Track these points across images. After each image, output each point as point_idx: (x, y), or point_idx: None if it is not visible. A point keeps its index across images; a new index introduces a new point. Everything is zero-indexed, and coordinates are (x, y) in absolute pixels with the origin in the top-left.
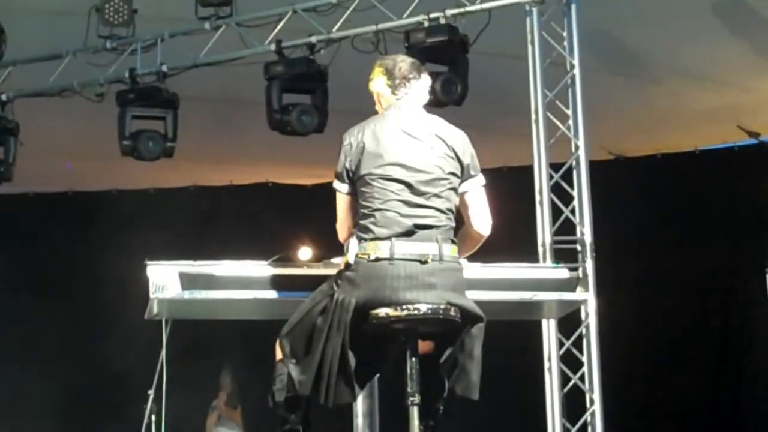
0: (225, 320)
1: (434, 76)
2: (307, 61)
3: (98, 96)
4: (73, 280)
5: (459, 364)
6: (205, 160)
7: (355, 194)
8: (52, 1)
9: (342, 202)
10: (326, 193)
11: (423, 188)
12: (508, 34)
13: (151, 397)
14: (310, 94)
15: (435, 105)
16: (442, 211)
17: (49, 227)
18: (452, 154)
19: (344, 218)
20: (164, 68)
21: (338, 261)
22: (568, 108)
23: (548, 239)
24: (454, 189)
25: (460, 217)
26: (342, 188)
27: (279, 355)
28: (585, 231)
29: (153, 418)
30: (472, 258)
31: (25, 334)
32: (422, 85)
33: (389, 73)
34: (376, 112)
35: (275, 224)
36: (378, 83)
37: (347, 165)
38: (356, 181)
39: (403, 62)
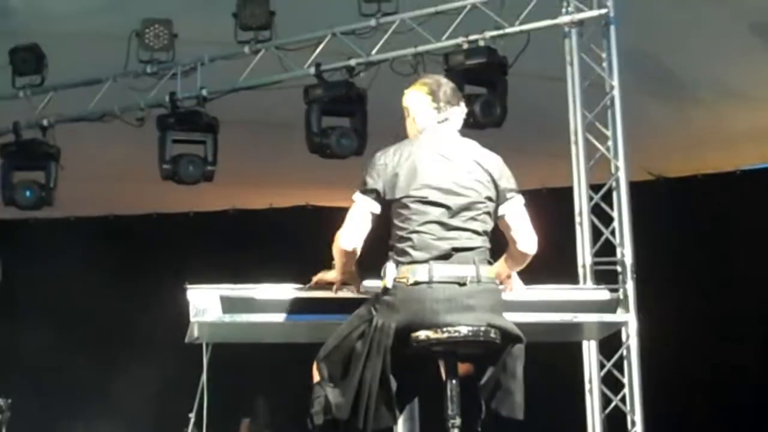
0: (263, 343)
1: (473, 98)
2: (346, 84)
3: (139, 120)
4: (113, 304)
5: (502, 386)
6: (244, 184)
7: (385, 217)
8: (93, 26)
9: (357, 214)
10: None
11: (460, 211)
12: (547, 55)
13: (192, 421)
14: (350, 117)
15: (474, 127)
16: (478, 234)
17: (90, 251)
18: (488, 178)
19: (352, 227)
20: (204, 92)
21: (373, 284)
22: (607, 129)
23: (588, 260)
24: (490, 213)
25: (505, 238)
26: (362, 202)
27: (316, 377)
28: (625, 252)
29: None
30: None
31: (66, 360)
32: (461, 112)
33: (433, 94)
34: (406, 133)
35: (314, 247)
36: (418, 101)
37: (379, 186)
38: (391, 202)
39: (447, 86)
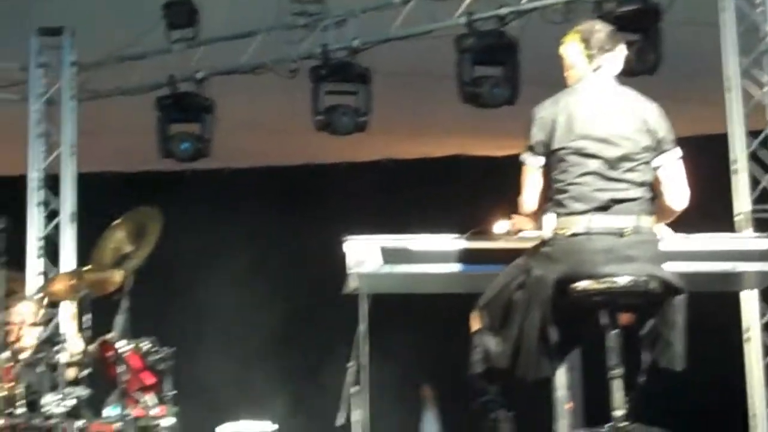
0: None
1: (627, 45)
2: (497, 33)
3: (291, 72)
4: (268, 256)
5: (662, 337)
6: (397, 134)
7: (545, 168)
8: None
9: (529, 174)
10: (519, 164)
11: (618, 162)
12: (701, 0)
13: (351, 370)
14: (501, 66)
15: (628, 74)
16: (637, 184)
17: (245, 202)
18: (646, 128)
19: (530, 191)
20: (356, 43)
21: (532, 234)
22: (763, 75)
23: (747, 208)
24: (648, 163)
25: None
26: (531, 161)
27: (475, 327)
28: None
29: (353, 390)
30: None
31: (222, 313)
32: (618, 57)
33: (586, 42)
34: (566, 83)
35: (468, 197)
36: (572, 51)
37: (540, 139)
38: (549, 155)
39: (601, 32)
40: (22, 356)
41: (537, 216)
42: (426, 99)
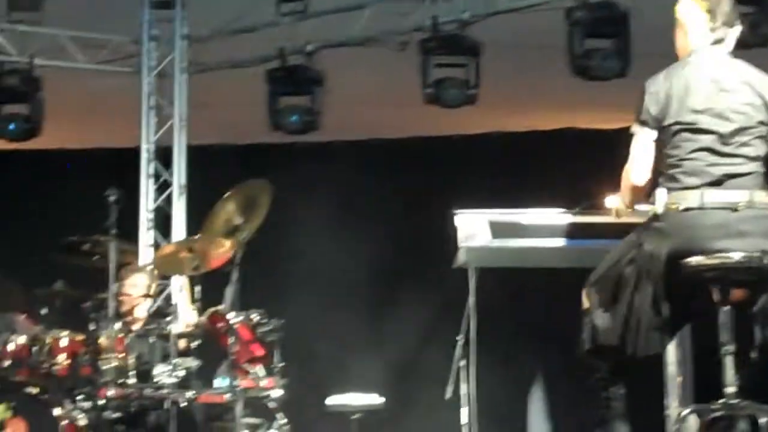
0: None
1: (741, 17)
2: (609, 5)
3: (401, 45)
4: (376, 229)
5: None
6: (506, 107)
7: (657, 142)
8: None
9: (641, 147)
10: (630, 137)
11: (732, 137)
12: None
13: (459, 344)
14: (612, 39)
15: (741, 47)
16: (751, 159)
17: (353, 175)
18: (761, 102)
19: (638, 164)
20: (466, 16)
21: (645, 209)
22: None
23: None
24: (763, 137)
25: None
26: (642, 134)
27: (586, 304)
28: None
29: (462, 364)
30: None
31: (330, 286)
32: (735, 33)
33: (711, 13)
34: (677, 56)
35: (578, 170)
36: (695, 18)
37: (653, 113)
38: (662, 130)
39: (726, 5)
40: (134, 327)
41: (642, 190)
42: (536, 72)
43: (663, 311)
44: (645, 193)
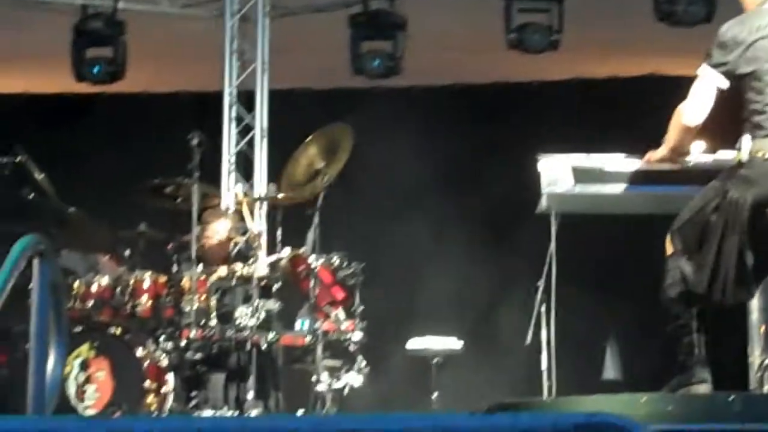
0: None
1: None
2: None
3: None
4: (456, 174)
5: None
6: (589, 52)
7: (737, 89)
8: None
9: (704, 89)
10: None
11: None
12: None
13: (539, 290)
14: None
15: None
16: None
17: (435, 120)
18: None
19: (698, 105)
20: None
21: (728, 156)
22: None
23: None
24: None
25: None
26: (710, 76)
27: (670, 250)
28: None
29: (542, 309)
30: None
31: (410, 230)
32: None
33: None
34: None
35: (661, 116)
36: None
37: (728, 59)
38: (742, 76)
39: None
40: (216, 270)
41: (691, 132)
42: (619, 17)
43: (749, 259)
44: (692, 138)
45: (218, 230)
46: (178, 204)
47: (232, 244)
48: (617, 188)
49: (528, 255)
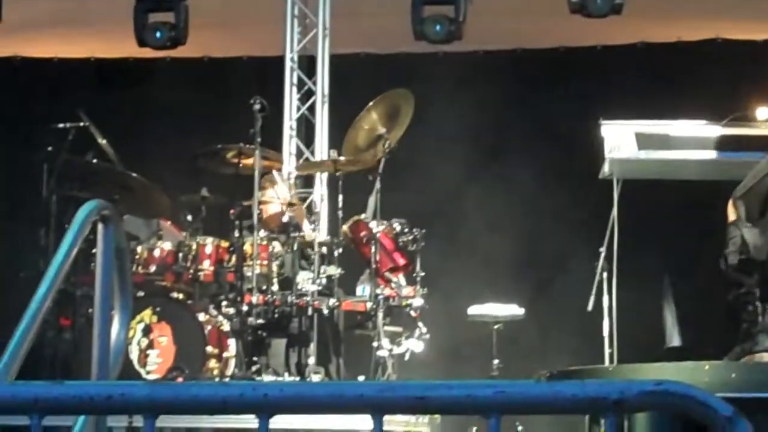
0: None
1: None
2: None
3: None
4: (519, 136)
5: None
6: (653, 17)
7: None
8: None
9: None
10: None
11: None
12: None
13: (602, 255)
14: None
15: None
16: None
17: (498, 84)
18: None
19: None
20: None
21: None
22: None
23: None
24: None
25: None
26: None
27: (732, 216)
28: None
29: (604, 275)
30: None
31: (470, 196)
32: None
33: None
34: None
35: (726, 82)
36: None
37: None
38: None
39: None
40: (278, 235)
41: None
42: None
43: None
44: None
45: (279, 194)
46: (240, 169)
47: (294, 209)
48: (681, 154)
49: (590, 221)
